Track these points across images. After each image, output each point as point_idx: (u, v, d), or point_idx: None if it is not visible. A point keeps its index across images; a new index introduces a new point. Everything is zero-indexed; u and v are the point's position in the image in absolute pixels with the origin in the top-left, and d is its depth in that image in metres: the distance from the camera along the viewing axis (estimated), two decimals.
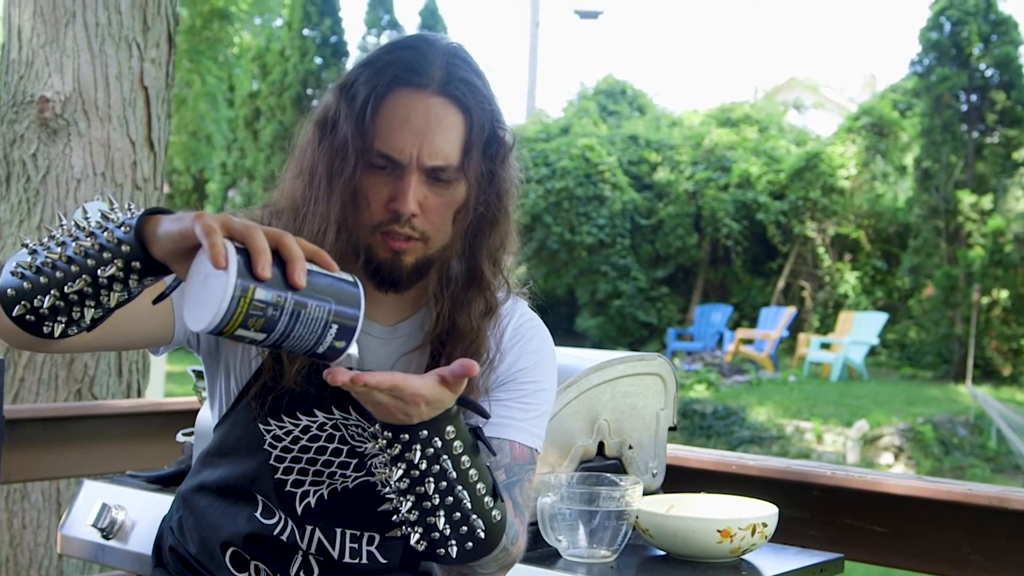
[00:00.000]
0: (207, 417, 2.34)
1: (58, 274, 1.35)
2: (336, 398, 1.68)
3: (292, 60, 21.25)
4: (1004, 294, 17.96)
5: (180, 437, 2.65)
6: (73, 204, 4.21)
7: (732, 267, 21.33)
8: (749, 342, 18.62)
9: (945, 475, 12.00)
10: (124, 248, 1.33)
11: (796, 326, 19.42)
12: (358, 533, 1.73)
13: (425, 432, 1.45)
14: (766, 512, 2.14)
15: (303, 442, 1.69)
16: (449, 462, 1.48)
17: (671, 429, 2.47)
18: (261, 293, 1.24)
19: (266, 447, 1.70)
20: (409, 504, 1.51)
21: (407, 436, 1.45)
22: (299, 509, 1.71)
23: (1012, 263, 17.85)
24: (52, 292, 1.35)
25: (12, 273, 1.39)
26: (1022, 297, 17.28)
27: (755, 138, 21.94)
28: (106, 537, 2.50)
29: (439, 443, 1.46)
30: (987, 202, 18.30)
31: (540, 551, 2.10)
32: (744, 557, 2.15)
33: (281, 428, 1.69)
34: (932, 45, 18.78)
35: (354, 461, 1.70)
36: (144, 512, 2.49)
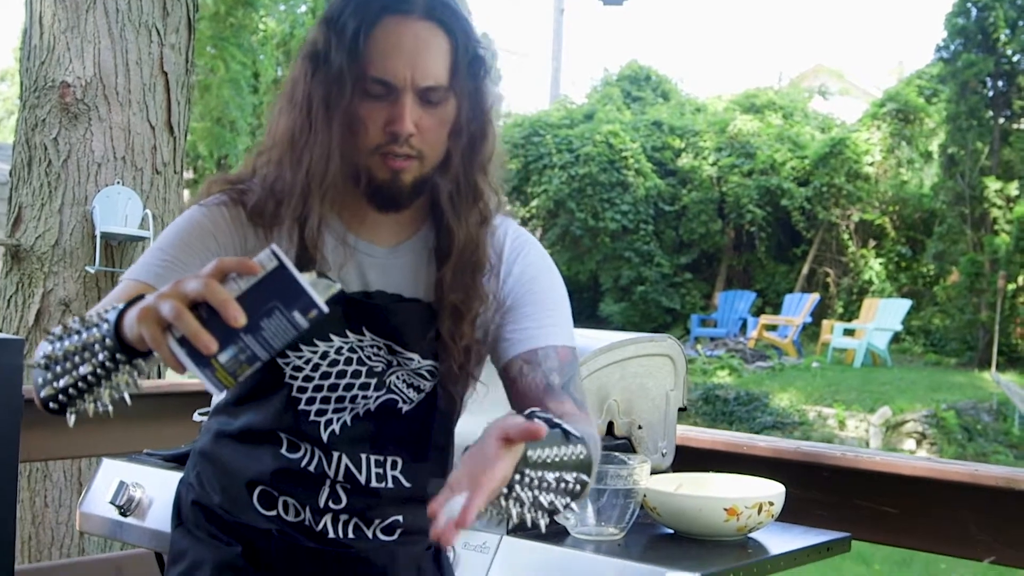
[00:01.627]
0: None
1: (67, 365, 1.46)
2: (350, 321, 1.72)
3: None
4: None
5: (197, 417, 2.68)
6: (94, 188, 4.25)
7: (756, 253, 21.30)
8: (772, 328, 18.60)
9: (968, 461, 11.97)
10: (108, 342, 1.42)
11: (820, 312, 19.37)
12: (382, 458, 1.76)
13: (517, 488, 1.45)
14: (773, 491, 2.16)
15: (323, 368, 1.72)
16: (541, 476, 1.48)
17: (681, 410, 2.49)
18: (224, 358, 1.31)
19: (287, 380, 1.72)
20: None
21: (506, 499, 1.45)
22: (324, 437, 1.73)
23: None
24: (65, 381, 1.47)
25: (36, 365, 1.51)
26: None
27: (780, 124, 21.87)
28: (124, 514, 2.54)
29: (530, 477, 1.46)
30: (1013, 188, 18.20)
31: (548, 528, 2.11)
32: (751, 535, 2.17)
33: (300, 357, 1.71)
34: (958, 31, 18.68)
35: (373, 381, 1.74)
36: (161, 490, 2.52)
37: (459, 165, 1.73)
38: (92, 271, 4.24)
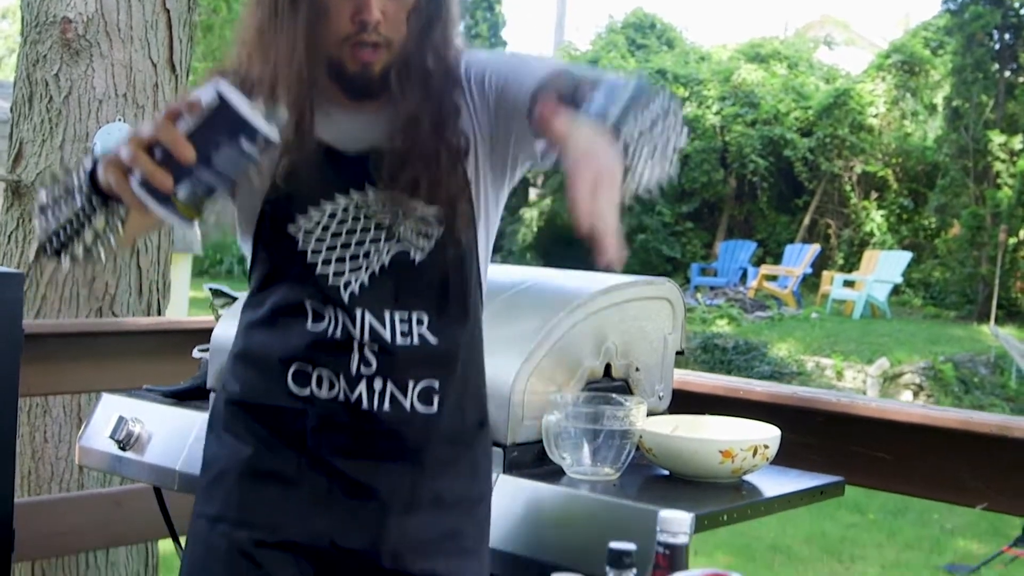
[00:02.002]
0: (223, 335, 2.38)
1: (56, 210, 1.59)
2: (350, 179, 1.77)
3: None
4: None
5: (196, 353, 2.69)
6: (95, 124, 4.24)
7: (757, 203, 21.26)
8: (772, 278, 18.61)
9: None
10: (84, 189, 1.55)
11: (820, 263, 19.37)
12: (407, 314, 1.77)
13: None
14: (768, 434, 2.17)
15: (332, 228, 1.76)
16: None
17: (679, 353, 2.50)
18: (182, 193, 1.41)
19: (300, 247, 1.76)
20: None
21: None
22: (345, 298, 1.76)
23: None
24: (55, 224, 1.59)
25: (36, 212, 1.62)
26: None
27: (784, 74, 21.78)
28: (123, 449, 2.56)
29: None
30: (1017, 142, 18.14)
31: (545, 468, 2.14)
32: (745, 478, 2.18)
33: (309, 220, 1.76)
34: None
35: (383, 234, 1.77)
36: (160, 425, 2.54)
37: (420, 48, 1.76)
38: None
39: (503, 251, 21.03)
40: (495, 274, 2.80)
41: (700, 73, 21.70)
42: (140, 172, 1.41)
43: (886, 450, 2.54)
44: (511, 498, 2.08)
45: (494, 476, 2.11)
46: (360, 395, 1.76)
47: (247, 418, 1.83)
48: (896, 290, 18.38)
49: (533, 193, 21.91)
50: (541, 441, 2.13)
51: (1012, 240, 17.76)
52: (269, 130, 1.42)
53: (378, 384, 1.76)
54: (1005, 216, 17.67)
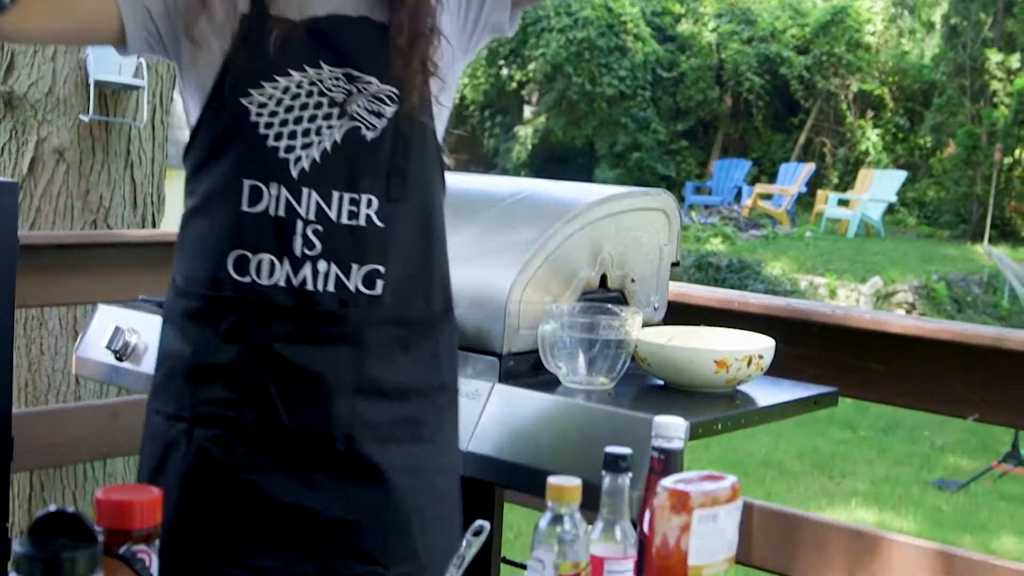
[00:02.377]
0: None
1: None
2: (305, 54, 1.75)
3: None
4: None
5: None
6: None
7: (753, 122, 21.20)
8: (767, 197, 18.60)
9: None
10: None
11: (815, 182, 19.35)
12: (356, 196, 1.76)
13: None
14: (763, 344, 2.18)
15: (286, 102, 1.74)
16: None
17: (674, 264, 2.49)
18: None
19: (252, 119, 1.74)
20: None
21: None
22: (295, 173, 1.74)
23: None
24: None
25: None
26: None
27: None
28: (119, 359, 2.56)
29: None
30: (1014, 60, 18.07)
31: (540, 377, 2.14)
32: (740, 388, 2.19)
33: (262, 94, 1.74)
34: None
35: (335, 111, 1.75)
36: (155, 335, 2.51)
37: None
38: (86, 120, 4.21)
39: (497, 168, 20.97)
40: (490, 184, 2.80)
41: None
42: None
43: (880, 362, 2.54)
44: (507, 407, 2.08)
45: (489, 385, 2.12)
46: (304, 277, 1.74)
47: (189, 312, 1.81)
48: (891, 209, 18.39)
49: (528, 111, 21.81)
50: (536, 351, 2.13)
51: (1007, 159, 17.75)
52: None
53: (322, 266, 1.74)
54: (1001, 135, 17.63)
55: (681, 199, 19.18)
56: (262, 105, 1.74)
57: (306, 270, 1.74)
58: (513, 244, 2.20)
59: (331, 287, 1.75)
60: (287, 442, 1.76)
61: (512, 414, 2.08)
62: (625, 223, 2.36)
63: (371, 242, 1.77)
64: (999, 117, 17.79)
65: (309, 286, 1.74)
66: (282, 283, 1.74)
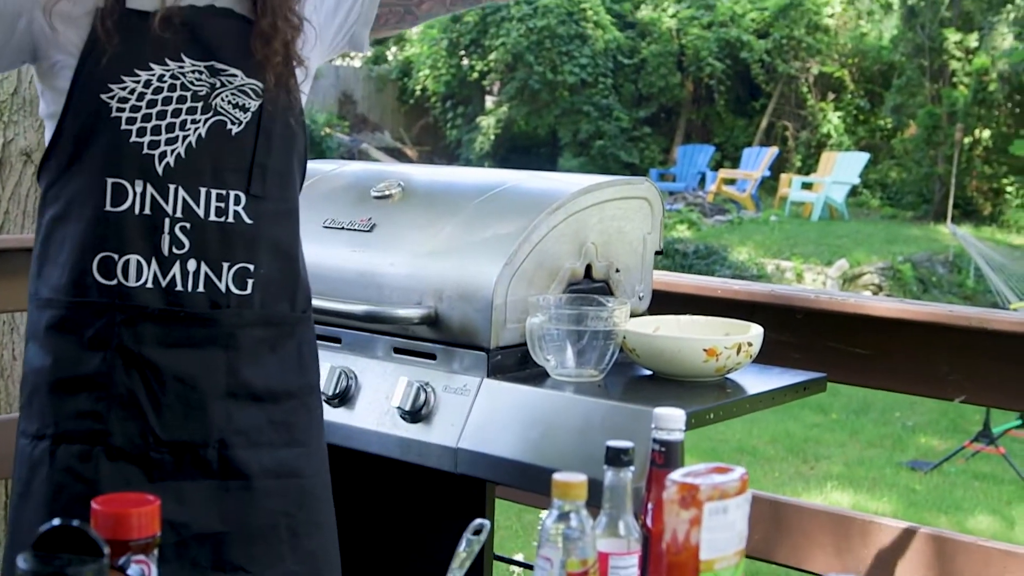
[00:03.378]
0: None
1: None
2: (167, 48, 1.72)
3: None
4: (986, 133, 17.99)
5: None
6: None
7: (715, 107, 21.25)
8: (731, 182, 18.65)
9: None
10: None
11: (778, 166, 19.43)
12: (224, 192, 1.73)
13: None
14: (751, 332, 2.17)
15: (148, 96, 1.70)
16: None
17: (658, 253, 2.48)
18: None
19: (114, 113, 1.70)
20: None
21: None
22: (160, 170, 1.71)
23: (995, 102, 17.83)
24: None
25: None
26: (1004, 137, 17.30)
27: None
28: None
29: None
30: (972, 40, 18.19)
31: (529, 370, 2.13)
32: (729, 376, 2.18)
33: (123, 88, 1.70)
34: None
35: (199, 105, 1.72)
36: None
37: None
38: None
39: (460, 160, 20.94)
40: (470, 177, 2.78)
41: None
42: None
43: (865, 345, 2.54)
44: (496, 402, 2.07)
45: (478, 380, 2.10)
46: (174, 277, 1.71)
47: (52, 322, 1.74)
48: (854, 191, 18.49)
49: (489, 101, 21.77)
50: (524, 344, 2.11)
51: (968, 139, 17.87)
52: None
53: (191, 265, 1.72)
54: (961, 115, 17.76)
55: None
56: (123, 100, 1.70)
57: (175, 270, 1.71)
58: (497, 237, 2.18)
59: (201, 287, 1.73)
60: (158, 453, 1.72)
61: (502, 409, 2.06)
62: (608, 212, 2.35)
63: (240, 239, 1.75)
64: (959, 97, 17.91)
65: (179, 286, 1.71)
66: (150, 284, 1.71)
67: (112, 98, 1.70)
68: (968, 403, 2.46)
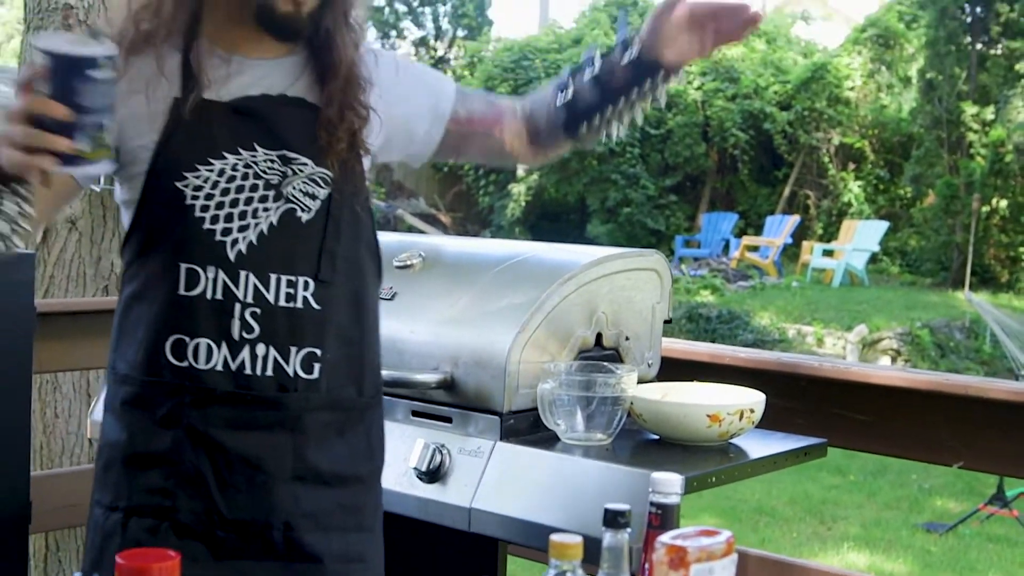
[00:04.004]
0: None
1: None
2: (240, 138, 1.73)
3: None
4: (1003, 203, 17.90)
5: None
6: None
7: (739, 176, 21.27)
8: (754, 249, 18.64)
9: None
10: None
11: (800, 234, 19.40)
12: (293, 279, 1.73)
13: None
14: (754, 399, 2.20)
15: (222, 184, 1.71)
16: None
17: (667, 322, 2.52)
18: (81, 144, 1.44)
19: (188, 201, 1.71)
20: None
21: None
22: (232, 256, 1.71)
23: (1012, 173, 17.77)
24: None
25: None
26: (1020, 206, 17.24)
27: (763, 49, 21.75)
28: None
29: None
30: (989, 113, 18.17)
31: (539, 434, 2.16)
32: (732, 441, 2.21)
33: (198, 176, 1.71)
34: None
35: (271, 194, 1.73)
36: None
37: None
38: (97, 190, 4.24)
39: (492, 226, 21.03)
40: (487, 248, 2.82)
41: None
42: (39, 145, 1.42)
43: (867, 412, 2.56)
44: (508, 464, 2.10)
45: (491, 443, 2.14)
46: (243, 361, 1.71)
47: (127, 399, 1.76)
48: (874, 258, 18.44)
49: (520, 169, 21.88)
50: (536, 409, 2.15)
51: (985, 208, 17.80)
52: (103, 49, 1.46)
53: (260, 349, 1.71)
54: (978, 185, 17.70)
55: (671, 252, 19.23)
56: (198, 188, 1.70)
57: (244, 354, 1.71)
58: (511, 306, 2.23)
59: (269, 371, 1.72)
60: (224, 532, 1.71)
61: (514, 471, 2.09)
62: (618, 283, 2.39)
63: (308, 324, 1.74)
64: (976, 168, 17.88)
65: (247, 370, 1.71)
66: (220, 367, 1.71)
67: (187, 186, 1.70)
68: (965, 469, 2.48)
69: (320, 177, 1.76)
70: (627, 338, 2.41)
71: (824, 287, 16.94)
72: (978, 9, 18.49)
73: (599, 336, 2.35)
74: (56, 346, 3.11)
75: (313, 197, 1.75)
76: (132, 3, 1.74)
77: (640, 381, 2.30)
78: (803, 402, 2.59)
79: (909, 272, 18.76)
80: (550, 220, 20.34)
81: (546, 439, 2.15)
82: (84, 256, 4.18)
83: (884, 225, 18.23)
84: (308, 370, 1.74)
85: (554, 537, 1.34)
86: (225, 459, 1.71)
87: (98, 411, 2.65)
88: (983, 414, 2.43)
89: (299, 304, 1.73)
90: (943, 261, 18.33)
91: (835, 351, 13.49)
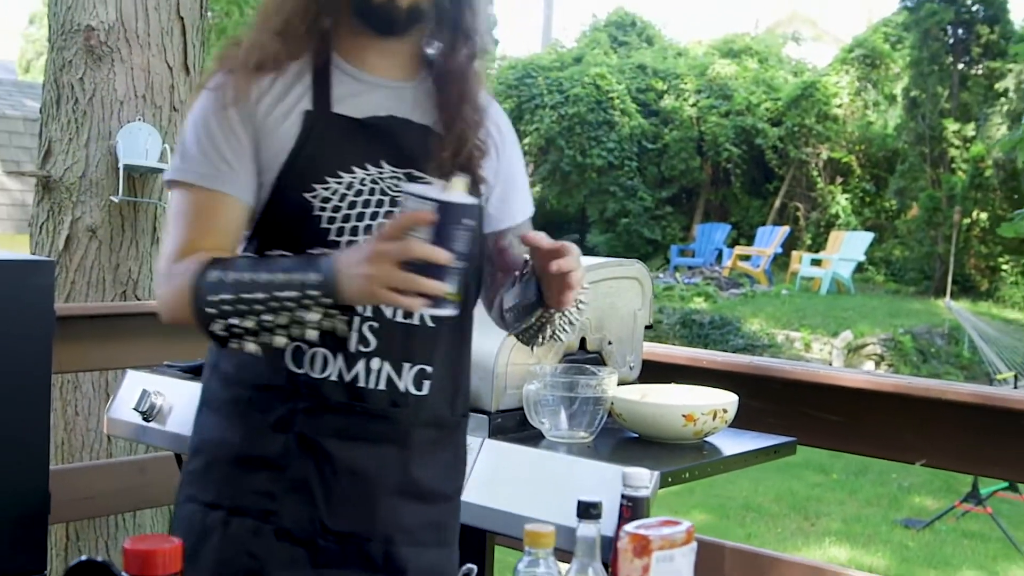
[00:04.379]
0: None
1: (261, 310, 1.53)
2: (369, 155, 1.68)
3: None
4: (983, 216, 17.93)
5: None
6: (117, 124, 4.28)
7: (732, 188, 21.29)
8: (746, 258, 18.65)
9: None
10: (325, 300, 1.50)
11: (790, 244, 19.41)
12: None
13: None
14: (727, 399, 2.23)
15: (349, 197, 1.65)
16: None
17: (647, 327, 2.55)
18: (451, 287, 1.46)
19: (315, 212, 1.65)
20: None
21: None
22: None
23: (991, 187, 17.81)
24: (253, 321, 1.53)
25: (213, 302, 1.54)
26: (999, 218, 17.21)
27: (755, 68, 21.79)
28: (146, 419, 2.59)
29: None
30: (970, 130, 18.20)
31: (526, 432, 2.20)
32: (706, 439, 2.24)
33: (326, 189, 1.65)
34: None
35: (396, 210, 1.65)
36: (179, 397, 2.58)
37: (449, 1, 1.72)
38: (116, 200, 4.29)
39: None
40: None
41: (678, 68, 21.70)
42: (421, 290, 1.43)
43: (836, 413, 2.59)
44: (496, 460, 2.13)
45: (480, 440, 2.17)
46: (357, 374, 1.65)
47: (239, 400, 1.71)
48: (860, 268, 18.43)
49: None
50: (522, 408, 2.18)
51: (966, 221, 17.83)
52: (475, 200, 1.49)
53: (375, 363, 1.66)
54: (959, 199, 17.73)
55: (666, 261, 19.26)
56: (325, 200, 1.65)
57: (359, 367, 1.66)
58: None
59: (382, 385, 1.67)
60: (324, 541, 1.67)
61: (501, 466, 2.12)
62: (602, 290, 2.42)
63: (421, 341, 1.69)
64: (957, 182, 17.90)
65: (361, 383, 1.66)
66: (334, 377, 1.65)
67: (315, 197, 1.64)
68: (929, 467, 2.50)
69: None
70: (610, 342, 2.44)
71: (812, 295, 16.94)
72: (960, 31, 18.53)
73: (583, 340, 2.38)
74: (75, 348, 3.13)
75: None
76: (264, 23, 1.71)
77: (622, 383, 2.34)
78: (775, 403, 2.61)
79: (893, 281, 18.76)
80: (552, 230, 19.64)
81: (532, 436, 2.18)
82: (103, 263, 4.22)
83: (869, 236, 18.23)
84: (419, 387, 1.70)
85: (528, 527, 1.37)
86: (332, 468, 1.66)
87: (115, 408, 2.70)
88: (944, 415, 2.46)
89: (415, 320, 1.68)
90: (926, 271, 18.35)
91: (822, 356, 13.50)
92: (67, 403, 4.17)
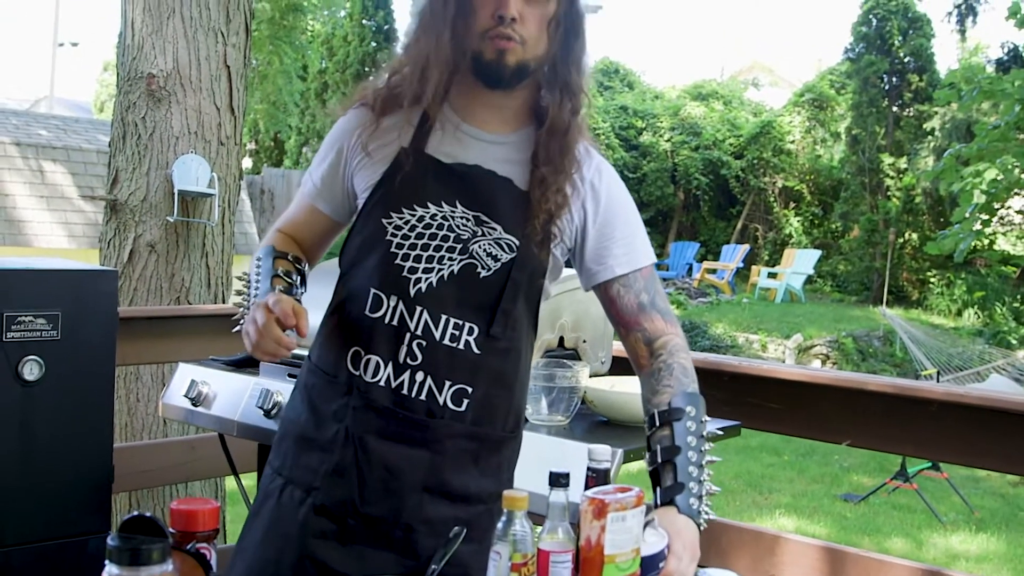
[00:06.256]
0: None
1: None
2: (445, 194, 1.64)
3: (353, 44, 21.11)
4: (914, 236, 17.95)
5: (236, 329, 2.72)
6: (173, 156, 4.30)
7: (700, 212, 21.30)
8: (712, 272, 18.65)
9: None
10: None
11: (750, 259, 19.43)
12: (460, 322, 1.62)
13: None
14: None
15: (418, 229, 1.63)
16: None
17: None
18: None
19: (388, 237, 1.63)
20: None
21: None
22: (412, 292, 1.62)
23: (920, 211, 17.86)
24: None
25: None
26: (927, 238, 17.23)
27: (721, 109, 21.82)
28: (195, 405, 2.59)
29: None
30: (902, 163, 18.22)
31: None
32: None
33: (400, 218, 1.63)
34: (862, 37, 18.63)
35: (459, 247, 1.63)
36: (222, 387, 2.57)
37: (556, 59, 1.65)
38: (172, 220, 4.32)
39: None
40: None
41: (654, 109, 21.72)
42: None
43: (776, 401, 2.57)
44: None
45: None
46: (403, 382, 1.61)
47: (312, 387, 1.70)
48: (809, 280, 18.44)
49: None
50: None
51: (899, 240, 17.85)
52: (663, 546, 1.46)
53: (419, 376, 1.61)
54: (894, 221, 17.76)
55: None
56: (398, 228, 1.62)
57: (405, 376, 1.62)
58: None
59: (423, 396, 1.62)
60: (354, 521, 1.64)
61: None
62: (578, 296, 2.41)
63: (465, 365, 1.63)
64: (892, 207, 17.92)
65: (404, 391, 1.62)
66: (383, 383, 1.62)
67: (390, 224, 1.62)
68: (853, 447, 2.52)
69: (506, 243, 1.63)
70: (584, 341, 2.45)
71: (769, 303, 16.94)
72: (894, 79, 18.56)
73: (561, 339, 2.39)
74: (136, 344, 3.12)
75: (495, 259, 1.63)
76: (407, 68, 1.66)
77: (594, 375, 2.35)
78: (725, 393, 2.60)
79: (838, 291, 18.76)
80: None
81: None
82: (161, 273, 4.24)
83: (817, 253, 18.25)
84: (458, 403, 1.64)
85: (506, 492, 1.39)
86: (368, 461, 1.62)
87: (169, 395, 2.71)
88: (866, 403, 2.46)
89: (460, 346, 1.62)
90: (865, 283, 18.35)
91: (776, 355, 13.50)
92: (129, 391, 4.19)
